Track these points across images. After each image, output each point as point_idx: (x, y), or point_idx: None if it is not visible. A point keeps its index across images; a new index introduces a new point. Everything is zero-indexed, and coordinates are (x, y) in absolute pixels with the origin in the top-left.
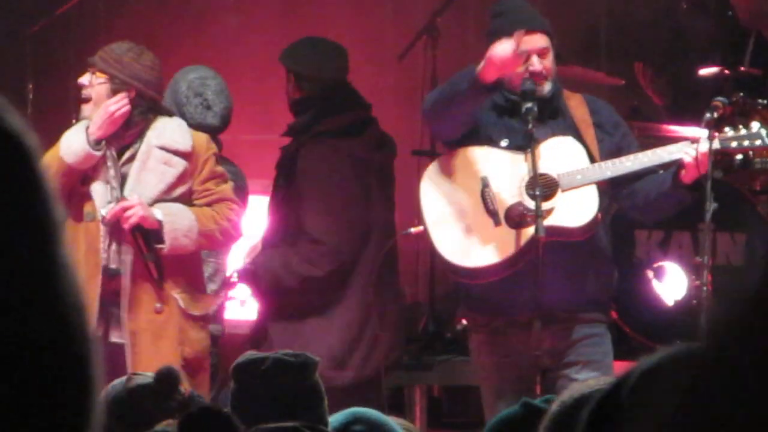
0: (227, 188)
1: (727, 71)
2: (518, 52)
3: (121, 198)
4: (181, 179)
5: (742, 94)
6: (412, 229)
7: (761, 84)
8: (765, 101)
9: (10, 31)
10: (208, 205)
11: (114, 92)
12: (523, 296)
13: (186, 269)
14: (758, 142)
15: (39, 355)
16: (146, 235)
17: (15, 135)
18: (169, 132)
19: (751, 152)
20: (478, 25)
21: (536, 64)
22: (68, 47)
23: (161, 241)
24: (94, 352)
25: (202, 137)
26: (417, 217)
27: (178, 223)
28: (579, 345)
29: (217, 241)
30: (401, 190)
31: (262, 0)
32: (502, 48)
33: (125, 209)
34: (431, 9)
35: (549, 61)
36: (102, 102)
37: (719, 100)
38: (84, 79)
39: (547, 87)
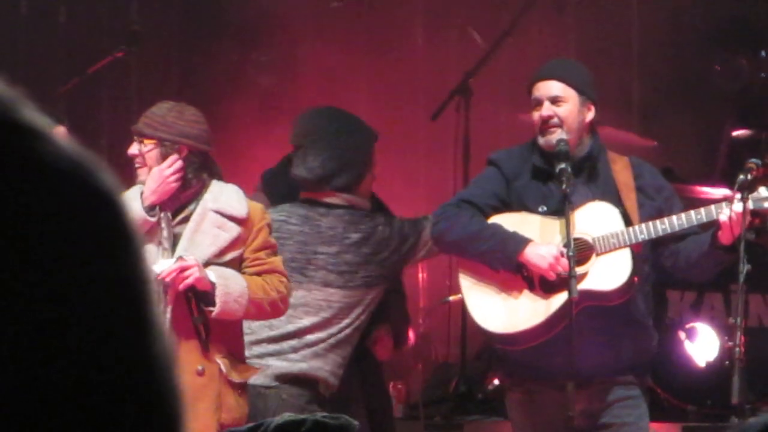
0: (278, 260)
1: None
2: (532, 101)
3: (179, 258)
4: (233, 244)
5: None
6: (451, 298)
7: None
8: None
9: (41, 90)
10: (258, 274)
11: (165, 156)
12: (559, 360)
13: (230, 335)
14: None
15: (135, 417)
16: (198, 297)
17: (109, 193)
18: (225, 196)
19: None
20: (509, 86)
21: (545, 109)
22: (100, 106)
23: (212, 303)
24: (185, 412)
25: (258, 206)
26: (454, 284)
27: (230, 287)
28: (614, 407)
29: (265, 311)
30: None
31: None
32: (548, 251)
33: (183, 269)
34: (464, 69)
35: (564, 110)
36: (155, 167)
37: (753, 162)
38: (133, 150)
39: (557, 136)
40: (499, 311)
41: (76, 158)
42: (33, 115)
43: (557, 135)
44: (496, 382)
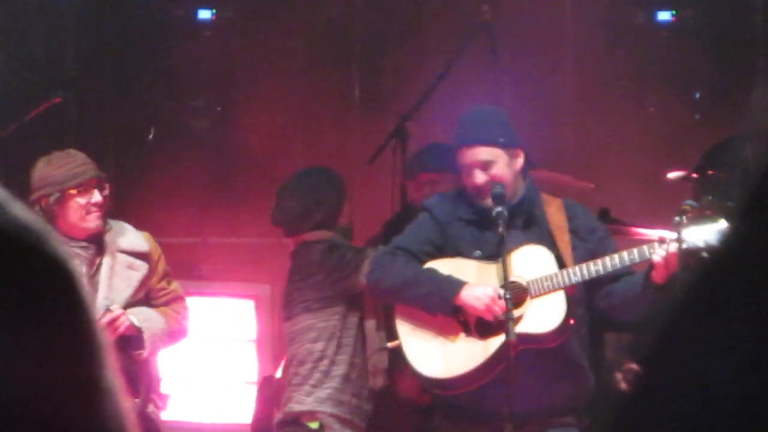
0: (178, 286)
1: (694, 174)
2: (461, 169)
3: (107, 309)
4: (144, 282)
5: (711, 197)
6: (389, 344)
7: (729, 187)
8: (733, 204)
9: None
10: (166, 304)
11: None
12: (495, 403)
13: (153, 372)
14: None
15: None
16: (126, 343)
17: (62, 260)
18: (127, 234)
19: None
20: (446, 128)
21: (476, 178)
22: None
23: (140, 346)
24: None
25: (149, 235)
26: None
27: (154, 327)
28: None
29: (178, 340)
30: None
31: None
32: (484, 292)
33: (114, 320)
34: (400, 112)
35: (496, 171)
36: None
37: (688, 204)
38: (97, 197)
39: (504, 206)
40: (436, 356)
41: (29, 226)
42: None
43: (496, 209)
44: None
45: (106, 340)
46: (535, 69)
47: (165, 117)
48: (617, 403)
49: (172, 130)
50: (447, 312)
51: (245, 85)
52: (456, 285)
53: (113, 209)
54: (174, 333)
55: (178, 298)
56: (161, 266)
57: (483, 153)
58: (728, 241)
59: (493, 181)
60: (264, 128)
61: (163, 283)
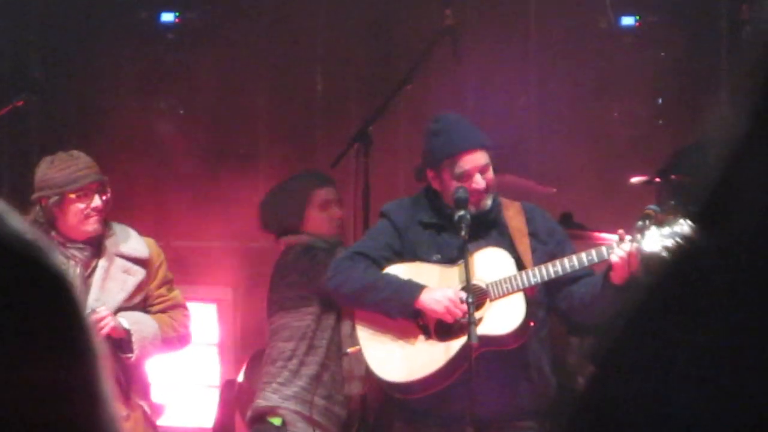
0: (179, 294)
1: (657, 179)
2: (458, 174)
3: (93, 311)
4: (140, 287)
5: (673, 202)
6: (349, 350)
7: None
8: (695, 208)
9: None
10: (163, 311)
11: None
12: (456, 407)
13: (146, 377)
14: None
15: None
16: (114, 345)
17: (59, 273)
18: (127, 239)
19: None
20: (409, 133)
21: (479, 182)
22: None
23: (128, 350)
24: None
25: (152, 242)
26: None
27: (144, 331)
28: None
29: (175, 348)
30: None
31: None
32: (443, 295)
33: (98, 321)
34: (363, 117)
35: (490, 175)
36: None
37: (651, 208)
38: (97, 202)
39: (488, 201)
40: (397, 361)
41: (27, 238)
42: None
43: (488, 201)
44: None
45: (101, 349)
46: (498, 73)
47: (128, 120)
48: (576, 405)
49: (135, 133)
50: (407, 315)
51: (208, 89)
52: (415, 288)
53: None
54: (170, 340)
55: (179, 306)
56: (162, 273)
57: (483, 157)
58: (689, 244)
59: (488, 184)
60: (226, 132)
61: (163, 290)
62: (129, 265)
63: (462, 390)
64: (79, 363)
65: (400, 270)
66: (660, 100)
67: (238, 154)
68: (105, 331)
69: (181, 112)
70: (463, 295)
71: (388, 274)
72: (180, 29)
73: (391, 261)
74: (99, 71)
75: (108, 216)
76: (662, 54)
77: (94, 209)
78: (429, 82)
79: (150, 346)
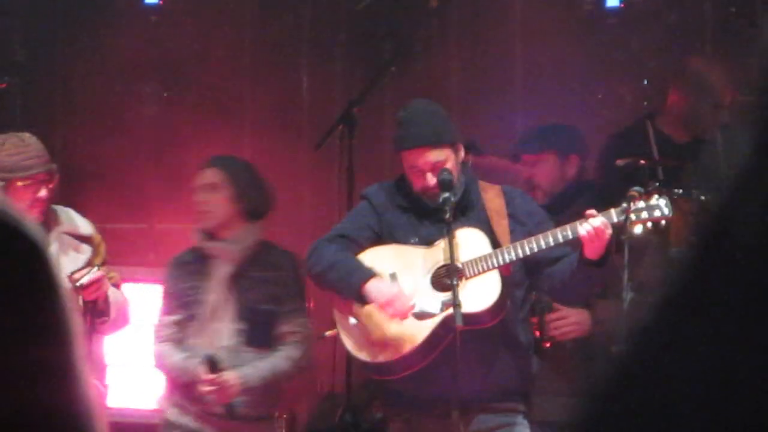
0: (117, 274)
1: (642, 161)
2: (407, 168)
3: (87, 266)
4: (89, 263)
5: (657, 183)
6: (327, 333)
7: (676, 173)
8: (680, 190)
9: None
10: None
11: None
12: (437, 388)
13: (102, 357)
14: (657, 213)
15: None
16: (89, 309)
17: (37, 242)
18: (73, 218)
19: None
20: (393, 115)
21: (427, 180)
22: None
23: (106, 313)
24: None
25: (90, 222)
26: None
27: (116, 299)
28: None
29: (122, 326)
30: (318, 291)
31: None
32: (389, 289)
33: (98, 279)
34: (348, 98)
35: (449, 166)
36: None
37: (635, 190)
38: (43, 193)
39: (446, 195)
40: (373, 342)
41: (5, 209)
42: None
43: (443, 194)
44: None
45: (77, 325)
46: (482, 55)
47: (112, 102)
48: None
49: (119, 116)
50: (354, 298)
51: (192, 71)
52: (366, 274)
53: (60, 194)
54: (125, 314)
55: (118, 285)
56: (103, 251)
57: (433, 155)
58: (703, 245)
59: (444, 181)
60: (211, 115)
61: (105, 269)
62: (77, 242)
63: (442, 371)
64: (56, 337)
65: (382, 252)
66: (645, 82)
67: (221, 136)
68: (104, 290)
69: (165, 94)
70: (418, 301)
71: (349, 257)
72: (163, 11)
73: (372, 241)
74: (82, 53)
75: (94, 198)
76: (647, 35)
77: (38, 200)
78: (414, 65)
79: (119, 315)
